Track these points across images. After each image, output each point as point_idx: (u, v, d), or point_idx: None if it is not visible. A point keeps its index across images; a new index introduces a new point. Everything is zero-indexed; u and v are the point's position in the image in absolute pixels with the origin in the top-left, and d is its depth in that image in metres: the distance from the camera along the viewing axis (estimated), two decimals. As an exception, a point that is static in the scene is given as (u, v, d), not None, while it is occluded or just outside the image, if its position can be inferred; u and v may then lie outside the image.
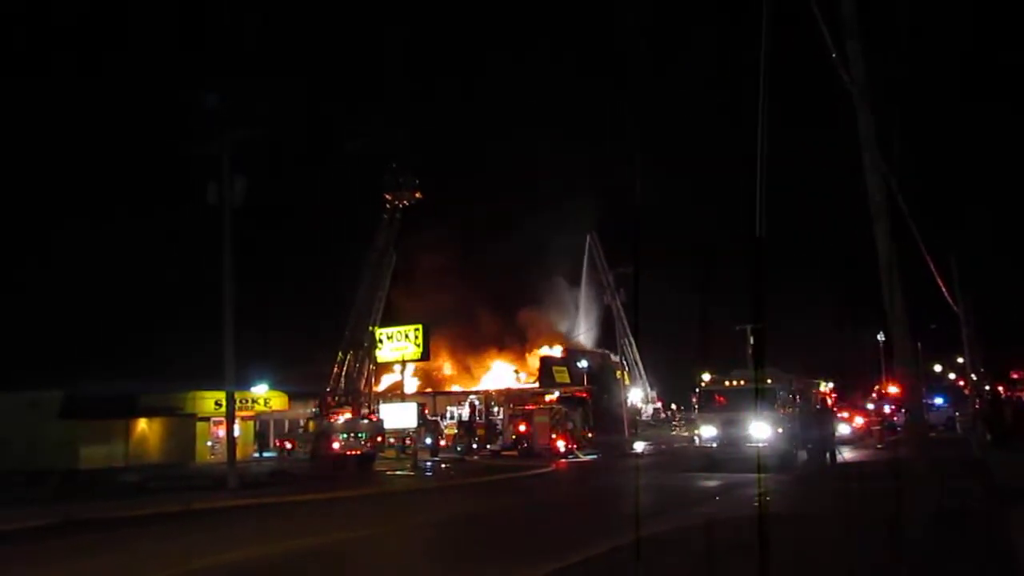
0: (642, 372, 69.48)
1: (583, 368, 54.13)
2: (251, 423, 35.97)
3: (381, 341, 35.49)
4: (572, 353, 61.56)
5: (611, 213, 67.07)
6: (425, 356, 38.52)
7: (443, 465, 32.57)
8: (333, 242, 53.66)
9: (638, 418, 58.43)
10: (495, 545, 13.04)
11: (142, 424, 28.97)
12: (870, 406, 50.67)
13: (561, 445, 34.90)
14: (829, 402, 34.19)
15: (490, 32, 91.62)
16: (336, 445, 30.63)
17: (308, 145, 66.47)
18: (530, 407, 39.29)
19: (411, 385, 47.76)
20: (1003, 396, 36.28)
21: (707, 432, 26.95)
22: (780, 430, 25.40)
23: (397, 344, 36.53)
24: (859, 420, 42.92)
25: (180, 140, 38.58)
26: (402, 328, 36.70)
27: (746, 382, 26.47)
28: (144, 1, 75.91)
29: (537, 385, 56.16)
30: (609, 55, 57.58)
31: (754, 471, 20.08)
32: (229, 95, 24.11)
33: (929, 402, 42.67)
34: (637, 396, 66.34)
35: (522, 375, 62.98)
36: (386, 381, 49.73)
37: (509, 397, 45.89)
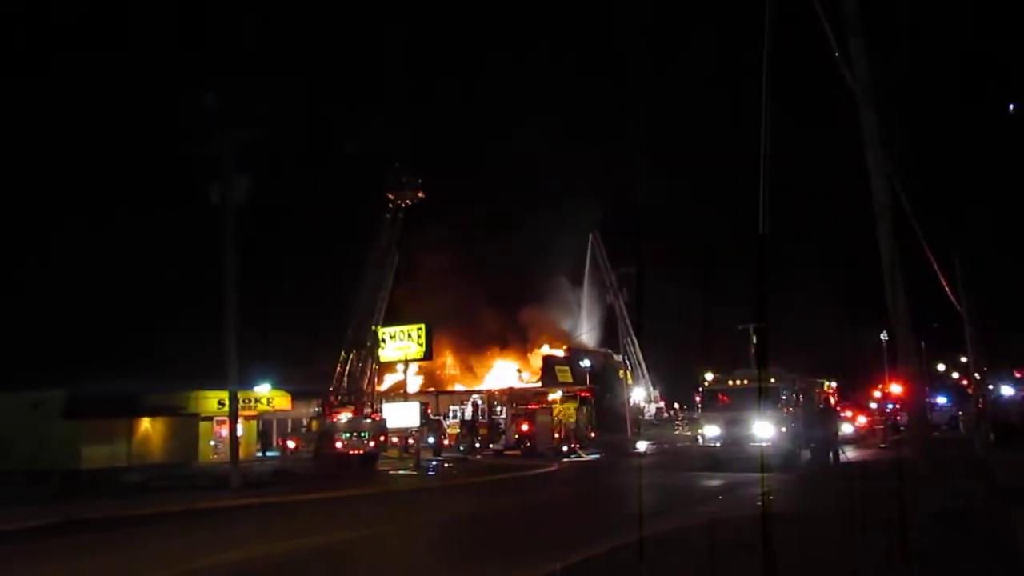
0: (645, 371, 69.42)
1: (586, 367, 54.10)
2: (254, 422, 35.96)
3: (384, 340, 35.46)
4: (575, 352, 61.53)
5: (614, 212, 67.11)
6: (428, 356, 38.46)
7: (446, 464, 32.59)
8: (334, 242, 53.72)
9: (641, 417, 58.41)
10: (497, 545, 13.03)
11: (145, 424, 28.96)
12: (873, 405, 50.67)
13: (564, 445, 34.89)
14: (832, 401, 34.12)
15: (490, 32, 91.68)
16: (339, 444, 30.64)
17: (308, 145, 66.45)
18: (533, 406, 39.29)
19: (414, 384, 47.68)
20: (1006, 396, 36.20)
21: (710, 431, 26.91)
22: (783, 429, 25.37)
23: (400, 343, 36.50)
24: (862, 419, 42.92)
25: (180, 140, 38.67)
26: (405, 327, 36.66)
27: (749, 381, 26.42)
28: (144, 1, 75.96)
29: (540, 384, 56.12)
30: (609, 55, 57.60)
31: (757, 471, 20.03)
32: (229, 95, 24.14)
33: (932, 401, 42.63)
34: (640, 395, 66.30)
35: (525, 374, 62.98)
36: (389, 380, 49.71)
37: (512, 396, 45.87)
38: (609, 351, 66.51)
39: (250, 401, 35.17)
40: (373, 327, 34.38)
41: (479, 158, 75.31)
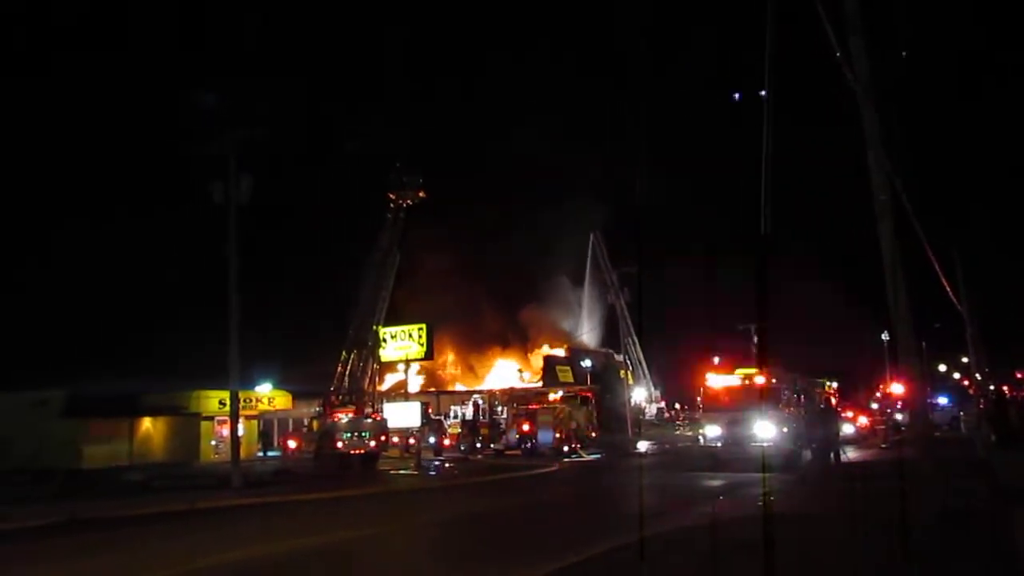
0: (646, 371, 69.44)
1: (587, 367, 54.12)
2: (255, 422, 36.00)
3: (385, 340, 35.45)
4: (576, 352, 61.56)
5: (615, 212, 67.10)
6: (429, 355, 38.46)
7: (447, 464, 32.59)
8: (335, 242, 53.84)
9: (642, 417, 58.42)
10: (498, 545, 13.03)
11: (146, 423, 29.00)
12: (874, 405, 50.62)
13: (565, 445, 34.87)
14: (833, 401, 34.08)
15: (490, 32, 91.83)
16: (340, 444, 30.64)
17: (309, 145, 66.65)
18: (534, 406, 39.27)
19: (415, 384, 47.70)
20: (1008, 396, 36.16)
21: (711, 432, 26.88)
22: (784, 430, 25.34)
23: (401, 343, 36.49)
24: (863, 419, 42.86)
25: (181, 140, 38.75)
26: (406, 327, 36.66)
27: (750, 381, 26.41)
28: (144, 1, 76.03)
29: (541, 384, 56.14)
30: (609, 55, 57.58)
31: (758, 471, 19.97)
32: (230, 95, 24.14)
33: (933, 402, 42.54)
34: (641, 395, 66.31)
35: (526, 374, 63.04)
36: (390, 380, 49.72)
37: (513, 396, 45.86)
38: (610, 351, 66.53)
39: (251, 401, 35.19)
40: (374, 327, 34.38)
41: (479, 158, 75.49)
